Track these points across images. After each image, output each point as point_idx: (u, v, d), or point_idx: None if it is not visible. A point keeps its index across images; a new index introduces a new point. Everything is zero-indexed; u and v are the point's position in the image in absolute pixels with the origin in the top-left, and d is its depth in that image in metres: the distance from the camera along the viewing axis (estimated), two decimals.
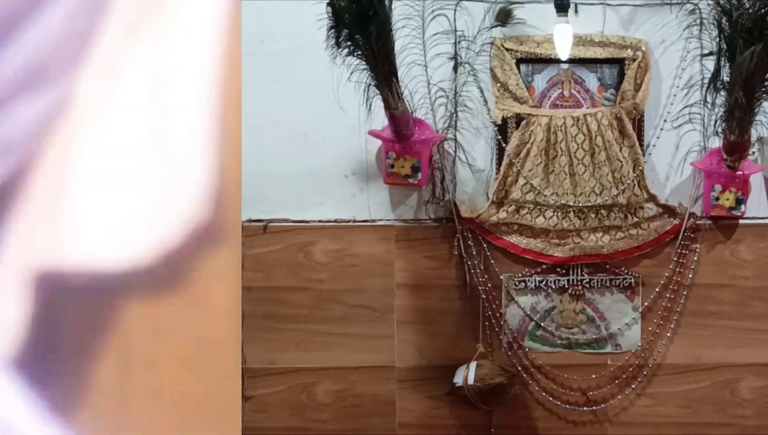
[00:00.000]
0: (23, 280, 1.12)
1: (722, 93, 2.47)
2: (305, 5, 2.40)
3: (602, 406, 2.64)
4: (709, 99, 2.55)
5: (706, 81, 2.56)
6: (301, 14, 2.47)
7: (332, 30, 2.32)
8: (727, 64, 2.40)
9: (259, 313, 2.60)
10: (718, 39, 2.42)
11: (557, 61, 2.59)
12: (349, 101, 2.53)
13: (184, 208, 1.13)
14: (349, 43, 2.34)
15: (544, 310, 2.65)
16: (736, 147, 2.50)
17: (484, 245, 2.61)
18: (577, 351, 2.65)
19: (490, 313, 2.62)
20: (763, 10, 2.24)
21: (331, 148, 2.60)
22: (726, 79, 2.43)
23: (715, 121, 2.55)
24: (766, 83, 2.39)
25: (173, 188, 1.12)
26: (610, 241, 2.61)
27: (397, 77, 2.41)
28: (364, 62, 2.38)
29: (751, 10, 2.26)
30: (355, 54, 2.37)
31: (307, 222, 2.60)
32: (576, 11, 2.59)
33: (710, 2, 2.49)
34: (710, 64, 2.53)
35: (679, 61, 2.61)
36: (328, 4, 2.29)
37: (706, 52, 2.58)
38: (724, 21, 2.35)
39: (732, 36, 2.32)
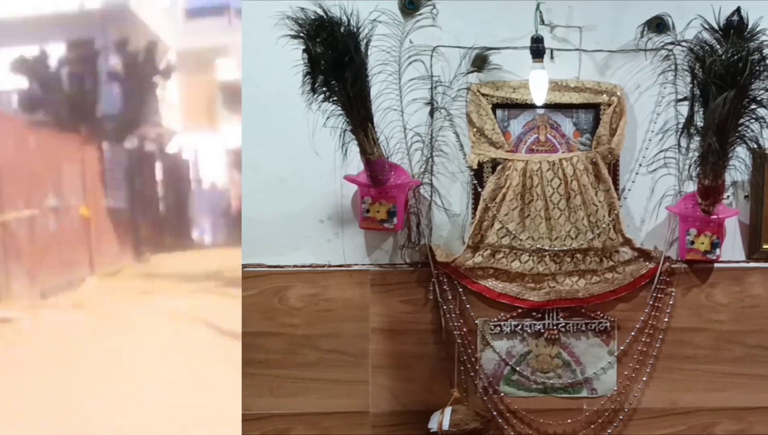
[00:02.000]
0: None
1: (696, 138, 2.50)
2: (283, 51, 2.42)
3: None
4: (683, 144, 2.57)
5: (681, 126, 2.58)
6: (278, 60, 2.49)
7: (308, 76, 2.35)
8: (701, 110, 2.43)
9: None
10: (691, 85, 2.45)
11: (533, 106, 2.63)
12: (325, 146, 2.56)
13: None
14: (324, 88, 2.38)
15: (519, 354, 2.66)
16: (710, 191, 2.53)
17: (460, 289, 2.62)
18: (553, 395, 2.67)
19: (465, 357, 2.63)
20: (735, 57, 2.27)
21: (308, 193, 2.63)
22: (700, 124, 2.45)
23: (689, 166, 2.57)
24: (739, 129, 2.42)
25: None
26: (585, 285, 2.63)
27: (372, 122, 2.43)
28: (339, 108, 2.41)
29: (723, 57, 2.28)
30: (331, 100, 2.40)
31: (282, 267, 2.61)
32: (552, 57, 2.62)
33: (684, 49, 2.51)
34: (685, 109, 2.58)
35: (654, 106, 2.65)
36: (304, 51, 2.32)
37: (680, 97, 2.62)
38: (697, 67, 2.39)
39: (705, 82, 2.36)
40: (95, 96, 9.82)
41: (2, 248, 5.53)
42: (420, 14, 2.57)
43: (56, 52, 9.91)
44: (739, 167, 2.63)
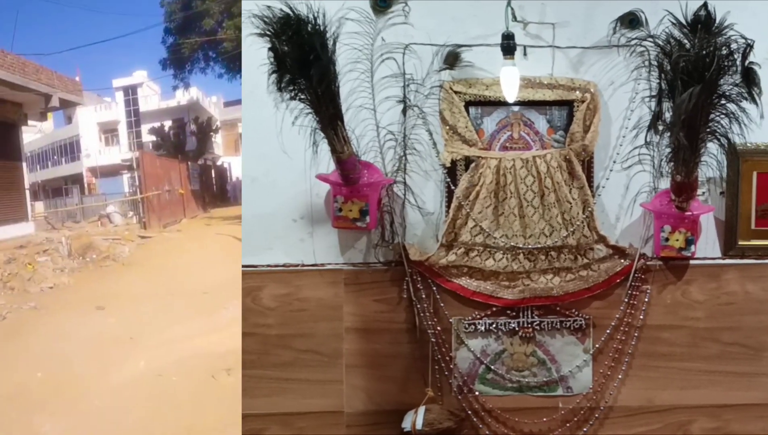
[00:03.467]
0: None
1: (666, 134, 2.50)
2: (252, 50, 2.41)
3: None
4: (651, 139, 2.57)
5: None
6: (247, 59, 2.48)
7: (275, 74, 2.34)
8: (670, 106, 2.42)
9: None
10: (658, 80, 2.44)
11: (506, 103, 2.63)
12: (296, 145, 2.57)
13: None
14: (292, 87, 2.37)
15: (494, 352, 2.67)
16: (683, 187, 2.55)
17: (434, 288, 2.64)
18: (528, 394, 2.69)
19: (439, 356, 2.64)
20: (703, 52, 2.27)
21: (280, 193, 2.64)
22: (669, 120, 2.45)
23: (660, 162, 2.58)
24: (709, 124, 2.42)
25: None
26: (560, 283, 2.63)
27: (342, 120, 2.44)
28: (308, 106, 2.40)
29: (691, 52, 2.28)
30: (299, 98, 2.40)
31: (255, 266, 2.61)
32: (525, 54, 2.63)
33: (656, 44, 2.51)
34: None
35: (628, 103, 2.66)
36: (270, 49, 2.32)
37: (654, 93, 2.60)
38: (665, 63, 2.38)
39: (673, 77, 2.36)
40: (184, 142, 29.14)
41: (148, 206, 14.74)
42: (392, 12, 2.59)
43: (167, 123, 29.87)
44: (712, 163, 2.63)
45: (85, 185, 30.14)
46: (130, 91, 32.16)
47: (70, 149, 32.42)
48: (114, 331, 5.15)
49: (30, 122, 13.37)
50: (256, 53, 2.45)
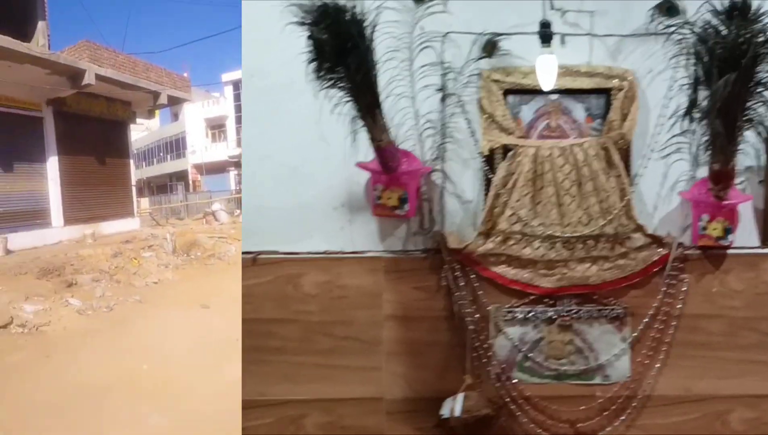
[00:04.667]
0: None
1: (703, 122, 2.50)
2: (292, 39, 2.45)
3: None
4: (688, 127, 2.58)
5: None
6: (288, 49, 2.55)
7: (313, 63, 2.38)
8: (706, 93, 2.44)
9: (248, 346, 2.65)
10: (695, 68, 2.45)
11: (544, 92, 2.65)
12: (335, 134, 2.59)
13: None
14: (330, 75, 2.40)
15: (532, 341, 2.69)
16: (721, 176, 2.56)
17: (472, 276, 2.66)
18: (566, 382, 2.71)
19: (477, 344, 2.67)
20: (740, 40, 2.28)
21: (320, 181, 2.68)
22: (704, 107, 2.46)
23: (698, 150, 2.59)
24: (746, 112, 2.42)
25: None
26: (597, 272, 2.65)
27: (380, 108, 2.47)
28: (347, 94, 2.42)
29: (727, 39, 2.29)
30: (338, 86, 2.43)
31: (296, 254, 2.65)
32: (562, 42, 2.64)
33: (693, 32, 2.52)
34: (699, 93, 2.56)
35: (666, 91, 2.67)
36: (309, 38, 2.35)
37: (692, 81, 2.60)
38: (701, 50, 2.39)
39: (709, 65, 2.36)
40: None
41: None
42: (430, 1, 2.60)
43: None
44: (750, 152, 2.64)
45: (190, 182, 29.72)
46: (240, 86, 31.17)
47: (176, 146, 31.88)
48: (219, 332, 5.21)
49: (138, 120, 13.52)
50: (293, 42, 2.48)
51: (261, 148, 2.67)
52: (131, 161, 12.89)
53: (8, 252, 8.77)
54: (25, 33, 10.37)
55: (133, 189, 12.89)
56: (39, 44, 10.35)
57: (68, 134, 10.72)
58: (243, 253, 2.68)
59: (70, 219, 10.69)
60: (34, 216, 10.01)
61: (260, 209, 2.69)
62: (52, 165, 10.43)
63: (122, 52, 11.41)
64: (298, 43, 2.44)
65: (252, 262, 2.66)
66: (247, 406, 2.68)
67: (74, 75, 9.65)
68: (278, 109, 2.66)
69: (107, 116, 11.76)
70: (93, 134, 11.46)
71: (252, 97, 2.66)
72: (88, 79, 9.62)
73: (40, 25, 10.63)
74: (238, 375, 3.96)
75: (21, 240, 9.35)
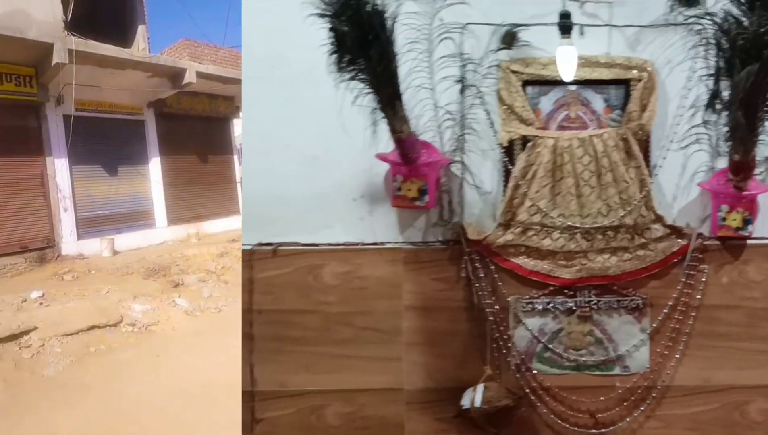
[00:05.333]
0: None
1: (725, 113, 2.51)
2: (313, 29, 2.47)
3: (611, 428, 2.72)
4: (709, 118, 2.58)
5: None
6: (308, 39, 2.57)
7: (335, 54, 2.39)
8: (728, 84, 2.44)
9: (268, 336, 2.67)
10: (716, 59, 2.46)
11: (563, 82, 2.66)
12: (355, 124, 2.61)
13: None
14: (351, 67, 2.42)
15: (551, 331, 2.70)
16: (741, 167, 2.56)
17: (492, 267, 2.68)
18: (586, 373, 2.72)
19: (497, 335, 2.68)
20: (761, 30, 2.28)
21: (340, 172, 2.69)
22: (727, 98, 2.46)
23: (717, 141, 2.59)
24: (767, 103, 2.42)
25: None
26: (617, 263, 2.66)
27: (401, 100, 2.49)
28: (368, 86, 2.43)
29: (749, 30, 2.29)
30: (358, 77, 2.45)
31: (316, 245, 2.67)
32: (582, 33, 2.65)
33: (714, 22, 2.52)
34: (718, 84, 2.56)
35: (686, 81, 2.68)
36: (330, 29, 2.37)
37: (712, 72, 2.61)
38: (723, 41, 2.39)
39: (730, 56, 2.37)
40: None
41: None
42: None
43: None
44: None
45: None
46: None
47: None
48: None
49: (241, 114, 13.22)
50: (313, 33, 2.49)
51: (282, 137, 2.68)
52: (235, 157, 12.68)
53: (115, 253, 8.95)
54: (125, 38, 10.54)
55: (238, 186, 12.61)
56: (140, 48, 10.50)
57: (170, 134, 10.78)
58: (262, 244, 2.69)
59: (173, 219, 10.77)
60: (138, 217, 10.18)
61: (280, 199, 2.70)
62: (155, 166, 10.53)
63: (223, 46, 11.33)
64: (318, 34, 2.45)
65: (273, 253, 2.67)
66: (267, 396, 2.70)
67: (175, 75, 9.68)
68: (299, 99, 2.68)
69: (209, 113, 11.66)
70: (195, 132, 11.44)
71: (272, 86, 2.67)
72: (189, 77, 9.62)
73: (140, 29, 10.76)
74: None
75: (127, 241, 9.55)
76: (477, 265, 2.68)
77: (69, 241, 8.55)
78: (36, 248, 8.03)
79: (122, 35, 10.46)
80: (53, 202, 8.31)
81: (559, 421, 2.70)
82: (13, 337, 4.97)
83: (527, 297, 2.70)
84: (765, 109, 2.47)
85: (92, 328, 5.26)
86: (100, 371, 4.47)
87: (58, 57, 7.09)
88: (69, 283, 6.90)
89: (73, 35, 7.41)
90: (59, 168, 8.42)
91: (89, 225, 9.03)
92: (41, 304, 5.86)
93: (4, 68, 7.53)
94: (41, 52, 7.19)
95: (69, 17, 7.61)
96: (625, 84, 2.69)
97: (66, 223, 8.50)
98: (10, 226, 7.75)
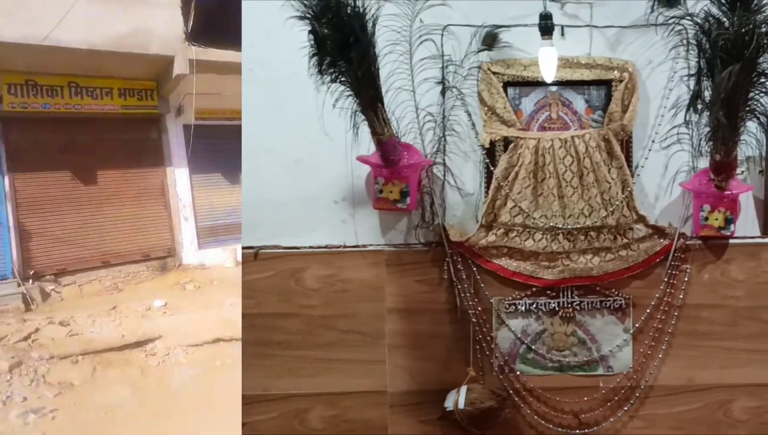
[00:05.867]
0: None
1: (706, 113, 2.52)
2: (295, 32, 2.46)
3: (594, 428, 2.74)
4: (691, 119, 2.59)
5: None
6: (291, 42, 2.57)
7: (315, 57, 2.39)
8: (709, 84, 2.45)
9: (251, 340, 2.67)
10: (697, 59, 2.47)
11: (544, 83, 2.67)
12: (337, 127, 2.61)
13: None
14: (332, 69, 2.42)
15: (534, 332, 2.71)
16: (722, 167, 2.58)
17: (474, 269, 2.69)
18: (569, 374, 2.74)
19: (480, 336, 2.70)
20: (742, 30, 2.28)
21: (321, 175, 2.71)
22: (708, 99, 2.47)
23: (699, 141, 2.60)
24: (748, 103, 2.43)
25: None
26: (599, 263, 2.67)
27: (382, 102, 2.50)
28: (349, 88, 2.44)
29: (730, 30, 2.30)
30: (339, 80, 2.45)
31: (298, 248, 2.68)
32: (563, 34, 2.67)
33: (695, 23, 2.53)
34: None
35: (667, 82, 2.70)
36: (310, 32, 2.37)
37: (693, 72, 2.62)
38: (704, 41, 2.40)
39: (712, 56, 2.37)
40: None
41: None
42: None
43: None
44: (752, 142, 2.65)
45: None
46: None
47: None
48: None
49: None
50: (294, 36, 2.48)
51: (266, 141, 2.68)
52: None
53: (238, 263, 8.78)
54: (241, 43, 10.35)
55: None
56: None
57: None
58: (243, 247, 2.69)
59: None
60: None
61: (263, 202, 2.70)
62: None
63: None
64: (299, 36, 2.45)
65: (254, 257, 2.67)
66: (251, 401, 2.70)
67: None
68: (280, 102, 2.68)
69: None
70: None
71: (253, 90, 2.67)
72: None
73: None
74: None
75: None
76: (459, 266, 2.68)
77: (190, 251, 8.50)
78: (158, 257, 8.11)
79: (239, 40, 10.27)
80: (174, 212, 8.34)
81: (543, 422, 2.71)
82: (139, 344, 5.04)
83: (510, 298, 2.71)
84: (746, 109, 2.48)
85: (217, 340, 5.24)
86: (225, 386, 4.31)
87: (179, 68, 7.17)
88: (191, 293, 7.00)
89: (193, 45, 7.45)
90: (179, 177, 8.43)
91: (210, 234, 8.87)
92: (164, 313, 5.95)
93: (127, 84, 7.72)
94: (163, 64, 7.30)
95: (189, 28, 7.63)
96: (606, 84, 2.70)
97: (186, 232, 8.47)
98: (133, 235, 7.91)
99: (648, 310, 2.71)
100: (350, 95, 2.49)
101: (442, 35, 2.65)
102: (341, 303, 2.68)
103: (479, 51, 2.66)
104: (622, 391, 2.73)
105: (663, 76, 2.69)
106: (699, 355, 2.74)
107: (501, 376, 2.72)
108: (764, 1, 2.33)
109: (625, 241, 2.69)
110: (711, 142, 2.57)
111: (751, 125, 2.57)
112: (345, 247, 2.70)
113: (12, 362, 4.44)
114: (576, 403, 2.72)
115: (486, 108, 2.67)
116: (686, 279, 2.72)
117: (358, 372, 2.70)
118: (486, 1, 2.65)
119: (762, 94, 2.45)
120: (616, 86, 2.67)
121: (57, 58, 6.38)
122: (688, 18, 2.58)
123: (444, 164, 2.69)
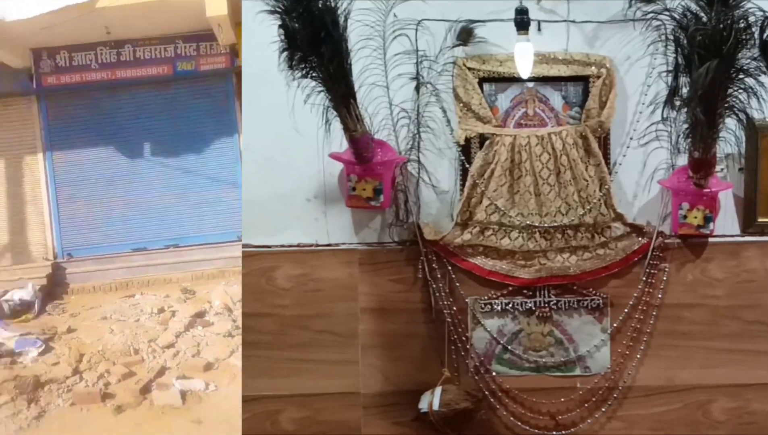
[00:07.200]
0: None
1: (684, 109, 2.49)
2: (266, 27, 2.42)
3: (572, 430, 2.74)
4: (668, 115, 2.57)
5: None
6: (263, 38, 2.51)
7: (286, 52, 2.35)
8: (687, 80, 2.42)
9: None
10: (675, 55, 2.45)
11: (521, 79, 2.65)
12: (308, 124, 2.59)
13: None
14: (303, 65, 2.38)
15: (511, 332, 2.69)
16: (701, 164, 2.56)
17: (449, 268, 2.68)
18: (546, 374, 2.73)
19: (455, 336, 2.69)
20: (720, 26, 2.26)
21: (293, 172, 2.69)
22: (686, 95, 2.44)
23: (677, 138, 2.57)
24: (727, 99, 2.41)
25: None
26: (577, 262, 2.65)
27: (355, 99, 2.48)
28: (320, 84, 2.40)
29: (707, 26, 2.27)
30: (311, 76, 2.42)
31: (269, 247, 2.66)
32: (539, 29, 2.65)
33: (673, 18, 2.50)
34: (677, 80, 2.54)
35: (645, 78, 2.69)
36: (280, 26, 2.34)
37: (671, 68, 2.59)
38: (682, 37, 2.38)
39: (689, 52, 2.34)
40: None
41: None
42: None
43: None
44: (731, 139, 2.63)
45: None
46: None
47: None
48: None
49: None
50: (266, 30, 2.44)
51: (245, 138, 2.64)
52: None
53: None
54: None
55: None
56: None
57: None
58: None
59: None
60: None
61: (244, 202, 2.66)
62: None
63: None
64: (269, 31, 2.41)
65: None
66: None
67: None
68: (250, 99, 2.65)
69: None
70: None
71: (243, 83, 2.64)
72: None
73: None
74: None
75: None
76: (434, 265, 2.66)
77: None
78: None
79: None
80: None
81: (519, 424, 2.69)
82: None
83: (486, 298, 2.68)
84: (724, 105, 2.46)
85: None
86: None
87: None
88: None
89: None
90: None
91: None
92: None
93: None
94: None
95: None
96: (583, 81, 2.68)
97: None
98: None
99: (626, 310, 2.69)
100: (322, 91, 2.46)
101: (417, 30, 2.62)
102: (314, 303, 2.66)
103: (454, 46, 2.64)
104: (600, 392, 2.71)
105: (641, 72, 2.67)
106: (678, 355, 2.72)
107: (476, 377, 2.70)
108: None
109: (602, 239, 2.67)
110: (689, 139, 2.54)
111: (730, 122, 2.55)
112: (317, 245, 2.67)
113: None
114: (553, 404, 2.70)
115: (461, 104, 2.64)
116: (665, 278, 2.69)
117: (331, 373, 2.67)
118: None
119: (740, 91, 2.43)
120: (593, 82, 2.64)
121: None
122: (666, 13, 2.56)
123: (418, 161, 2.66)
